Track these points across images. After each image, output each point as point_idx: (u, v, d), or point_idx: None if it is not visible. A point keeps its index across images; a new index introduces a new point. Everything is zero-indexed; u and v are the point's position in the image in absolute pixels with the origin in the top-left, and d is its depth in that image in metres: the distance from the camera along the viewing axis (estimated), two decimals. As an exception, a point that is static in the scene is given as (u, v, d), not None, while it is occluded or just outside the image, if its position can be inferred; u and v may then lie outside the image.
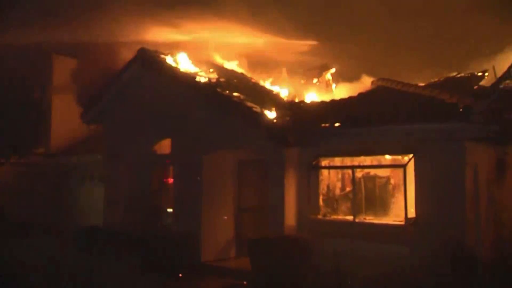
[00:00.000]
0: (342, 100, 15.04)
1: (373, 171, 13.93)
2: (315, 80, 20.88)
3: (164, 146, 16.92)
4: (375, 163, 13.52)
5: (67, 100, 20.02)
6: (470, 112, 11.09)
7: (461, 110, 11.36)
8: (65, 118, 19.79)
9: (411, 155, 12.12)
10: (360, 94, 15.62)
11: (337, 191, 14.36)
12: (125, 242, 14.82)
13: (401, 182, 14.37)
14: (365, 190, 13.89)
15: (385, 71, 19.37)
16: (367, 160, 13.46)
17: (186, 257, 13.95)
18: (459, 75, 17.22)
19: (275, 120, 13.40)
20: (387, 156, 13.22)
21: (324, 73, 21.04)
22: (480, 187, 11.83)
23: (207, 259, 14.45)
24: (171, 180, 16.45)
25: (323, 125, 13.00)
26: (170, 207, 16.13)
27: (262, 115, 13.42)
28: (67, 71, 20.31)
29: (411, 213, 12.50)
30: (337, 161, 13.76)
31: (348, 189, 14.85)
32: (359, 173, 14.87)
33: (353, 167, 13.20)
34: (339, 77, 20.55)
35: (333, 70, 21.18)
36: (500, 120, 11.34)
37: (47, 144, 20.07)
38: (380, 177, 14.20)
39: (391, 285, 11.58)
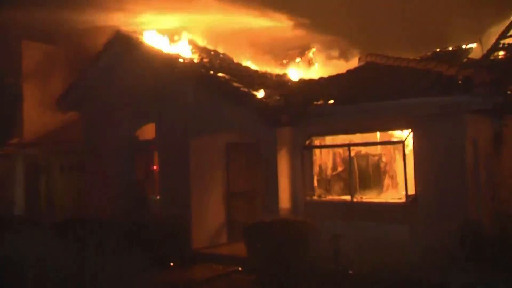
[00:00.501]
0: (331, 77, 14.49)
1: (364, 150, 13.47)
2: (297, 60, 20.35)
3: (147, 131, 16.24)
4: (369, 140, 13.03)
5: (41, 88, 19.06)
6: (471, 83, 10.65)
7: (460, 82, 10.93)
8: (39, 106, 18.85)
9: (409, 130, 11.66)
10: (349, 71, 15.11)
11: (329, 171, 13.83)
12: (112, 233, 14.17)
13: (393, 159, 14.15)
14: (358, 169, 13.43)
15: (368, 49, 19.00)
16: (361, 137, 12.94)
17: (177, 245, 13.33)
18: (446, 49, 16.85)
19: (265, 100, 12.75)
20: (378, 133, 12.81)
21: (306, 52, 20.52)
22: (480, 161, 11.42)
23: (198, 246, 13.82)
24: (156, 167, 15.77)
25: (316, 103, 12.42)
26: (157, 195, 15.47)
27: (251, 95, 12.79)
28: (39, 57, 19.30)
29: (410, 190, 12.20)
30: (331, 139, 13.22)
31: (340, 168, 14.37)
32: (352, 152, 14.46)
33: (349, 145, 12.66)
34: (322, 56, 20.02)
35: (314, 49, 20.66)
36: (503, 91, 10.90)
37: (21, 133, 19.09)
38: (373, 155, 13.75)
39: (392, 265, 11.19)
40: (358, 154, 14.20)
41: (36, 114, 18.94)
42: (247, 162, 14.93)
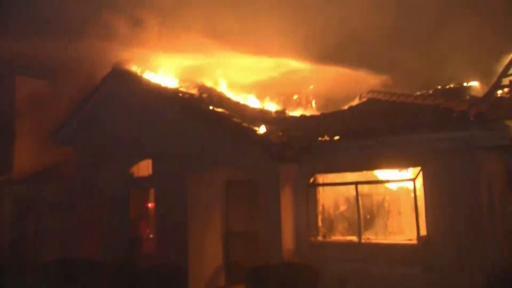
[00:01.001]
0: (334, 112, 13.94)
1: (367, 189, 12.78)
2: (295, 97, 19.78)
3: (142, 168, 15.47)
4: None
5: (33, 123, 18.23)
6: (485, 119, 10.05)
7: (472, 118, 10.34)
8: (31, 142, 18.01)
9: (419, 168, 10.98)
10: (352, 107, 14.54)
11: (332, 211, 13.06)
12: (103, 275, 13.27)
13: (397, 199, 13.45)
14: (363, 209, 12.72)
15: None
16: (365, 175, 12.23)
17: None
18: (447, 87, 16.37)
19: (268, 136, 12.04)
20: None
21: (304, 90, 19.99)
22: (494, 198, 10.72)
23: (195, 289, 12.97)
24: (152, 205, 14.95)
25: (320, 139, 11.74)
26: (151, 234, 14.61)
27: (253, 130, 12.10)
28: (32, 93, 18.53)
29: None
30: (337, 177, 12.48)
31: (342, 208, 13.65)
32: (354, 192, 13.75)
33: (356, 183, 11.87)
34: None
35: (311, 87, 20.14)
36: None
37: (10, 170, 18.16)
38: (376, 195, 13.06)
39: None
40: (361, 193, 13.54)
41: (27, 150, 18.09)
42: (246, 200, 14.14)
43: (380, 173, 11.88)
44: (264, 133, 12.16)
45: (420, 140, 10.60)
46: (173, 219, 13.43)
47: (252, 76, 19.58)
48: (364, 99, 15.16)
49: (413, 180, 10.96)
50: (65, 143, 16.13)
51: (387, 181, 11.91)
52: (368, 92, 15.33)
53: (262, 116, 14.67)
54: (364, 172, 11.79)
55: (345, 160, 11.55)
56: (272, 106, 17.24)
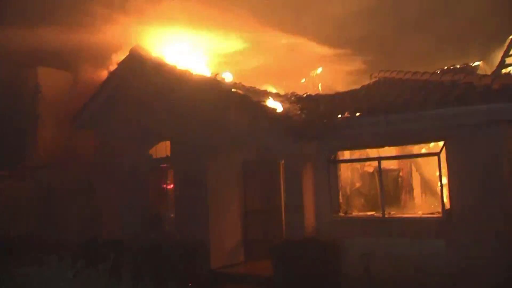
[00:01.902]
0: (350, 91, 12.84)
1: (384, 164, 11.79)
2: (303, 80, 18.77)
3: (161, 150, 14.45)
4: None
5: (55, 112, 17.15)
6: (510, 92, 9.03)
7: (497, 90, 9.32)
8: (53, 129, 16.98)
9: (442, 142, 9.96)
10: (365, 86, 13.48)
11: (354, 187, 12.06)
12: (126, 254, 12.30)
13: (410, 174, 12.52)
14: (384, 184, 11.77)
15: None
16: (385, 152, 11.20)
17: (194, 266, 11.47)
18: (454, 66, 15.34)
19: (289, 114, 10.98)
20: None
21: (311, 72, 18.95)
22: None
23: (216, 266, 11.90)
24: (170, 186, 13.93)
25: (341, 116, 10.68)
26: (170, 213, 13.61)
27: (273, 109, 11.04)
28: (54, 83, 17.43)
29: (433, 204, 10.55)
30: (358, 153, 11.47)
31: (358, 184, 12.68)
32: (370, 168, 12.76)
33: (379, 159, 10.77)
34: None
35: (319, 70, 19.10)
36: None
37: (35, 157, 17.13)
38: (392, 170, 12.10)
39: (425, 282, 9.45)
40: (376, 170, 12.57)
41: (50, 137, 17.04)
42: (264, 180, 13.12)
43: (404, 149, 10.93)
44: (284, 112, 11.11)
45: (445, 114, 9.49)
46: (193, 198, 12.35)
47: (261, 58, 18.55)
48: (376, 79, 14.11)
49: (438, 154, 9.94)
50: (85, 127, 14.99)
51: (411, 156, 10.89)
52: (380, 71, 14.25)
53: (277, 97, 13.62)
54: (386, 148, 10.78)
55: (367, 137, 10.38)
56: (282, 89, 16.18)
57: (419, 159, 11.70)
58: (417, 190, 13.03)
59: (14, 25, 15.84)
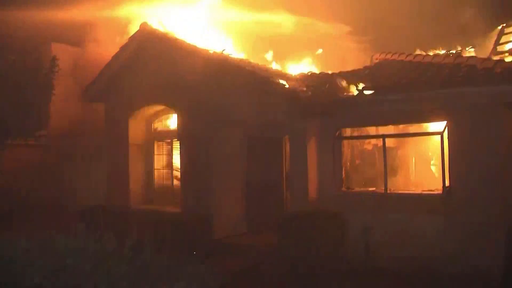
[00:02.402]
0: (353, 71, 12.55)
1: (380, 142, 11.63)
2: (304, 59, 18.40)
3: (168, 122, 14.23)
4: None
5: (67, 85, 16.74)
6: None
7: (499, 73, 9.12)
8: (66, 101, 16.57)
9: (444, 122, 9.77)
10: (367, 67, 13.22)
11: (357, 163, 11.87)
12: (131, 221, 12.13)
13: (409, 152, 12.36)
14: (379, 161, 11.60)
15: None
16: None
17: (198, 236, 11.28)
18: (449, 52, 15.13)
19: (295, 90, 10.71)
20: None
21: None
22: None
23: (219, 236, 11.72)
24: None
25: (346, 93, 10.44)
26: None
27: (282, 84, 10.75)
28: (67, 58, 16.95)
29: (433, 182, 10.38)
30: (358, 132, 11.26)
31: (357, 161, 12.52)
32: (369, 145, 12.58)
33: (383, 136, 10.52)
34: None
35: (320, 51, 18.77)
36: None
37: (48, 127, 16.77)
38: (391, 149, 11.91)
39: (425, 256, 9.34)
40: (376, 147, 12.40)
41: (62, 108, 16.65)
42: (266, 156, 12.85)
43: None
44: (291, 88, 10.84)
45: (449, 95, 9.26)
46: (198, 171, 12.08)
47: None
48: (377, 60, 13.84)
49: (441, 133, 9.73)
50: (95, 99, 14.65)
51: (414, 134, 10.68)
52: (381, 53, 13.98)
53: (281, 74, 13.33)
54: (390, 126, 10.57)
55: (371, 115, 10.16)
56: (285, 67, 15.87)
57: (415, 139, 11.57)
58: (412, 168, 12.92)
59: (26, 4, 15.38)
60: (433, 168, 13.18)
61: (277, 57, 17.43)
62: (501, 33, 15.52)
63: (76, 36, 17.68)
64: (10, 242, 6.01)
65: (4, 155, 13.85)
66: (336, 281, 8.56)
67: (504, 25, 15.11)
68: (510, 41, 14.20)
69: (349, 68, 13.98)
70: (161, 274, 5.85)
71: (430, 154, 12.94)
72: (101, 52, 15.75)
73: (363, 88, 10.19)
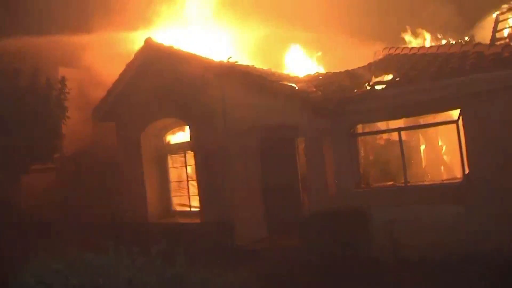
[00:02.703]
0: (359, 68, 12.36)
1: (394, 136, 11.45)
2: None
3: (180, 135, 14.07)
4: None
5: (77, 108, 16.58)
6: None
7: (507, 56, 8.92)
8: (75, 125, 16.41)
9: (458, 110, 9.56)
10: (373, 63, 13.03)
11: (365, 160, 11.65)
12: (153, 234, 11.94)
13: (420, 144, 12.17)
14: (393, 156, 11.40)
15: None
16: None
17: (221, 244, 11.07)
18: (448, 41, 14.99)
19: (307, 91, 10.52)
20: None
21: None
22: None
23: (241, 242, 11.52)
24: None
25: (361, 89, 10.22)
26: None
27: (292, 87, 10.57)
28: (73, 81, 16.80)
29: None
30: (377, 126, 11.05)
31: (371, 157, 12.32)
32: (382, 140, 12.39)
33: (399, 129, 10.28)
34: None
35: (320, 53, 18.56)
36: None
37: (61, 149, 16.60)
38: (404, 142, 11.69)
39: (447, 246, 9.08)
40: (388, 142, 12.20)
41: (74, 130, 16.49)
42: (280, 157, 12.67)
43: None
44: (301, 89, 10.65)
45: (461, 82, 9.04)
46: (214, 179, 11.94)
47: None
48: (381, 56, 13.65)
49: (456, 122, 9.53)
50: (105, 119, 14.49)
51: (430, 125, 10.47)
52: (384, 48, 13.81)
53: (288, 77, 13.16)
54: (404, 119, 10.35)
55: (384, 109, 9.88)
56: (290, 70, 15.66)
57: (426, 130, 11.39)
58: (426, 159, 12.74)
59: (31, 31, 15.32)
60: (445, 157, 13.01)
61: (279, 62, 17.25)
62: (497, 21, 15.35)
63: (80, 59, 17.56)
64: (41, 263, 5.78)
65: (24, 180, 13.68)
66: (366, 274, 8.33)
67: (498, 13, 14.95)
68: (507, 27, 14.02)
69: (350, 67, 13.81)
70: (195, 285, 5.63)
71: (441, 144, 12.78)
72: (107, 73, 15.61)
73: (374, 83, 9.97)
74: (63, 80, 12.82)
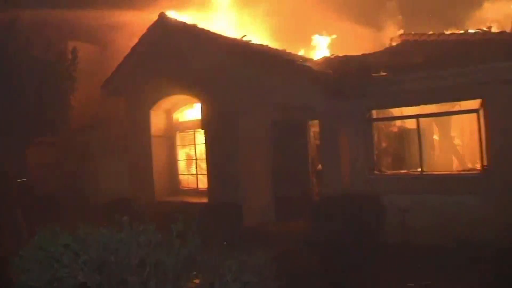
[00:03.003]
0: (377, 52, 11.94)
1: (408, 124, 11.13)
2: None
3: (189, 112, 13.72)
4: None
5: (87, 82, 16.20)
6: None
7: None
8: (85, 98, 16.06)
9: (479, 100, 9.19)
10: (390, 48, 12.61)
11: (378, 146, 11.30)
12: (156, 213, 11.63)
13: (433, 133, 11.81)
14: (407, 143, 11.10)
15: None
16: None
17: (229, 224, 10.76)
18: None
19: (324, 73, 10.12)
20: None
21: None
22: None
23: (249, 224, 11.25)
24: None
25: (380, 73, 9.83)
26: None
27: (309, 67, 10.18)
28: (84, 56, 16.40)
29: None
30: (392, 113, 10.70)
31: (384, 144, 11.97)
32: (395, 128, 12.04)
33: (417, 116, 9.93)
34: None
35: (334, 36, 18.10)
36: None
37: (68, 123, 16.26)
38: (411, 129, 11.36)
39: (462, 236, 8.78)
40: (401, 129, 11.86)
41: (82, 105, 16.15)
42: (292, 139, 12.36)
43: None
44: (318, 71, 10.26)
45: (486, 70, 8.69)
46: (224, 158, 11.57)
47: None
48: (399, 41, 13.19)
49: (477, 111, 9.17)
50: (115, 93, 14.15)
51: (449, 114, 10.11)
52: (401, 34, 13.36)
53: (304, 58, 12.75)
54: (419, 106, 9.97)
55: (403, 95, 9.56)
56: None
57: (440, 120, 11.02)
58: (438, 148, 12.40)
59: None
60: (457, 147, 12.66)
61: (294, 44, 16.80)
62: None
63: (94, 35, 17.20)
64: (50, 237, 5.43)
65: (29, 152, 13.36)
66: (377, 259, 8.06)
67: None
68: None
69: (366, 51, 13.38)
70: (209, 265, 5.31)
71: (456, 134, 12.42)
72: (119, 49, 15.21)
73: (392, 68, 9.57)
74: (74, 51, 12.37)
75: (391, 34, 14.15)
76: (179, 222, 5.25)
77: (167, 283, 4.87)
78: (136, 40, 13.18)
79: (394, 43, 13.28)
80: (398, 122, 11.47)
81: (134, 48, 12.89)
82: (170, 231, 6.14)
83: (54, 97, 11.90)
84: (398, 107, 10.29)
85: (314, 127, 12.14)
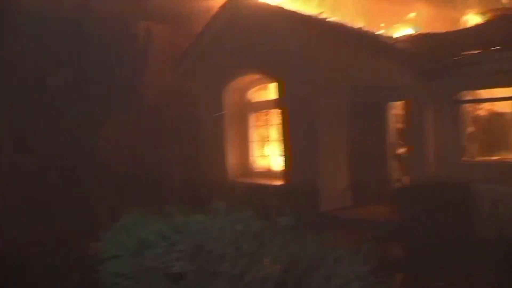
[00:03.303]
0: (466, 29, 11.14)
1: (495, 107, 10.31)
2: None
3: (263, 93, 13.44)
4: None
5: (159, 61, 16.21)
6: None
7: None
8: (157, 77, 16.13)
9: None
10: (480, 24, 11.72)
11: (480, 130, 10.56)
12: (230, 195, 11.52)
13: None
14: (494, 128, 10.32)
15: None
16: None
17: (305, 209, 10.47)
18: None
19: (411, 52, 9.51)
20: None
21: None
22: None
23: (325, 209, 10.93)
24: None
25: (473, 51, 9.10)
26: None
27: (397, 47, 9.60)
28: (156, 35, 16.40)
29: None
30: (483, 94, 9.95)
31: (470, 128, 11.20)
32: (483, 111, 11.22)
33: (513, 99, 9.22)
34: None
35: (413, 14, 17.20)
36: None
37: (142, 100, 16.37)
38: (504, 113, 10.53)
39: None
40: (492, 112, 11.04)
41: (156, 84, 16.21)
42: (369, 123, 11.83)
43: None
44: (402, 49, 9.65)
45: None
46: (301, 141, 11.20)
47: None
48: (492, 17, 12.19)
49: None
50: (187, 74, 14.04)
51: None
52: (492, 9, 12.41)
53: (386, 36, 12.10)
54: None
55: (497, 75, 8.86)
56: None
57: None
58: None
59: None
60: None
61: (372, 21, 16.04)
62: None
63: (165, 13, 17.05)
64: (139, 222, 5.32)
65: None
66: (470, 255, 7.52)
67: None
68: None
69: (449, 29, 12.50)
70: (308, 256, 5.05)
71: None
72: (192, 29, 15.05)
73: (487, 45, 8.81)
74: (148, 29, 12.34)
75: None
76: (286, 215, 5.00)
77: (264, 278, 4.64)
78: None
79: (488, 18, 12.33)
80: (489, 105, 10.65)
81: (206, 27, 12.67)
82: (258, 218, 5.90)
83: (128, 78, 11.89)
84: (489, 88, 9.48)
85: (394, 109, 11.55)
